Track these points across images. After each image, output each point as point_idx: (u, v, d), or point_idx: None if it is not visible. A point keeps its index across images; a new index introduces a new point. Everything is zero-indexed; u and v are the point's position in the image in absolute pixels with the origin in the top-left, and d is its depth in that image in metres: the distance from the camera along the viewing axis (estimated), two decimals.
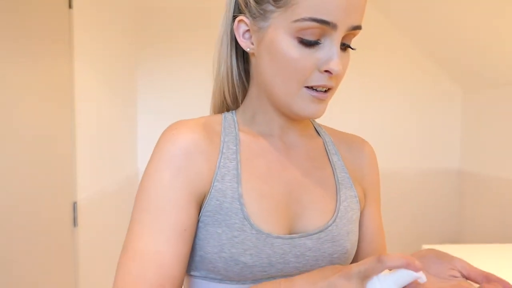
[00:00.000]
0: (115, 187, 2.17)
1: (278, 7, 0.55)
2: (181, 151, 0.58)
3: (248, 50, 0.62)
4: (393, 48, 2.65)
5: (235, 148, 0.63)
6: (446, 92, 2.67)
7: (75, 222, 1.62)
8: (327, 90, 0.59)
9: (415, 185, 2.67)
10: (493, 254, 1.68)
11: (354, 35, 0.58)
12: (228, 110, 0.71)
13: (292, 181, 0.64)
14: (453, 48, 2.35)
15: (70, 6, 1.57)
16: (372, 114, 2.66)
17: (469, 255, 1.67)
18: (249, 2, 0.58)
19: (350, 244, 0.64)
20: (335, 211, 0.64)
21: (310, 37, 0.55)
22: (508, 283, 0.47)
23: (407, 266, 0.44)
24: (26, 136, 1.29)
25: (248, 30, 0.61)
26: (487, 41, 2.05)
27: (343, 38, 0.57)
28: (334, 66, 0.55)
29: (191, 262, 0.59)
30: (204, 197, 0.59)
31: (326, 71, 0.56)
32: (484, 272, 0.49)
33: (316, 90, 0.58)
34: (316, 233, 0.61)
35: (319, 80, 0.57)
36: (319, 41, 0.55)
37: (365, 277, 0.45)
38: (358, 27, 0.56)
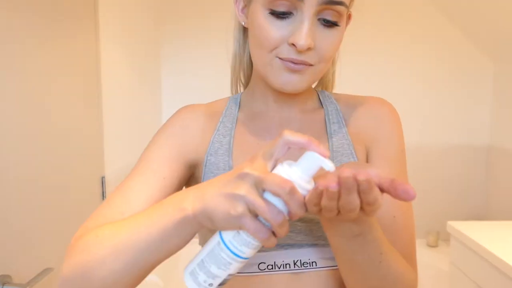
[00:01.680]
0: None
1: None
2: (179, 122, 0.69)
3: (243, 24, 0.66)
4: (420, 20, 2.55)
5: (231, 126, 0.68)
6: (476, 65, 2.56)
7: (103, 195, 1.67)
8: (306, 65, 0.58)
9: (443, 160, 2.62)
10: None
11: (338, 11, 0.56)
12: (244, 87, 0.76)
13: None
14: (483, 19, 2.25)
15: None
16: (400, 87, 2.60)
17: (496, 231, 1.65)
18: None
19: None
20: None
21: (280, 8, 0.56)
22: (405, 187, 0.41)
23: (308, 144, 0.42)
24: (55, 114, 1.32)
25: (246, 6, 0.64)
26: None
27: (323, 13, 0.56)
28: (298, 39, 0.55)
29: (200, 234, 0.66)
30: (197, 167, 0.66)
31: (292, 44, 0.56)
32: (391, 179, 0.43)
33: (284, 60, 0.58)
34: None
35: (287, 53, 0.57)
36: (290, 13, 0.56)
37: (270, 156, 0.44)
38: (334, 2, 0.55)
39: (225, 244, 0.44)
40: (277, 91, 0.65)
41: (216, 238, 0.46)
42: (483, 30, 2.38)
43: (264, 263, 0.61)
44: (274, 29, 0.56)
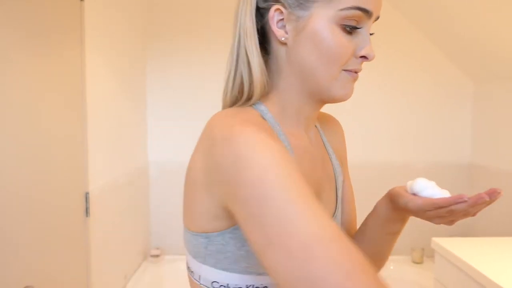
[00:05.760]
0: (126, 178, 2.19)
1: None
2: (276, 146, 0.50)
3: (282, 39, 0.61)
4: (404, 41, 2.62)
5: (289, 147, 0.63)
6: (457, 85, 2.63)
7: (87, 212, 1.64)
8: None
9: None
10: (503, 247, 1.67)
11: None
12: (234, 103, 0.66)
13: (318, 178, 0.68)
14: (464, 41, 2.32)
15: None
16: (383, 107, 2.64)
17: (480, 248, 1.66)
18: None
19: (350, 224, 0.77)
20: (336, 201, 0.71)
21: (352, 24, 0.59)
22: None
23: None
24: (39, 128, 1.30)
25: (281, 19, 0.61)
26: (498, 34, 2.02)
27: None
28: (371, 51, 0.61)
29: (230, 257, 0.58)
30: None
31: (362, 56, 0.61)
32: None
33: (350, 71, 0.62)
34: None
35: (355, 64, 0.62)
36: (358, 28, 0.60)
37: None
38: (378, 18, 0.63)
39: None
40: (311, 108, 0.66)
41: None
42: (464, 52, 2.45)
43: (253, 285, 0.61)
44: (348, 46, 0.59)
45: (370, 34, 0.63)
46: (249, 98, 0.64)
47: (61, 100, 1.45)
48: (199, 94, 2.61)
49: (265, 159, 0.47)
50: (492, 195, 0.58)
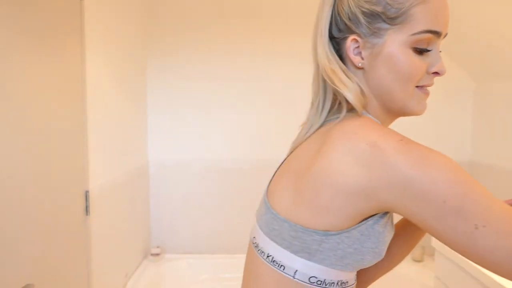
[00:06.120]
0: (126, 176, 2.20)
1: (394, 25, 0.64)
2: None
3: (359, 65, 0.69)
4: None
5: None
6: (458, 84, 2.63)
7: (87, 210, 1.65)
8: None
9: None
10: None
11: None
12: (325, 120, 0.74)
13: None
14: (465, 40, 2.32)
15: None
16: None
17: None
18: (361, 23, 0.66)
19: None
20: None
21: (423, 46, 0.65)
22: None
23: None
24: (39, 126, 1.31)
25: (357, 47, 0.68)
26: (500, 33, 2.02)
27: None
28: (442, 68, 0.67)
29: (339, 254, 0.64)
30: None
31: (434, 73, 0.67)
32: None
33: (423, 88, 0.68)
34: None
35: (427, 80, 0.68)
36: (429, 49, 0.65)
37: None
38: (446, 34, 0.68)
39: None
40: (388, 122, 0.73)
41: None
42: (465, 51, 2.45)
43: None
44: (421, 65, 0.65)
45: (440, 51, 0.67)
46: (348, 111, 0.70)
47: (62, 99, 1.45)
48: (199, 94, 2.61)
49: (444, 160, 0.57)
50: None
